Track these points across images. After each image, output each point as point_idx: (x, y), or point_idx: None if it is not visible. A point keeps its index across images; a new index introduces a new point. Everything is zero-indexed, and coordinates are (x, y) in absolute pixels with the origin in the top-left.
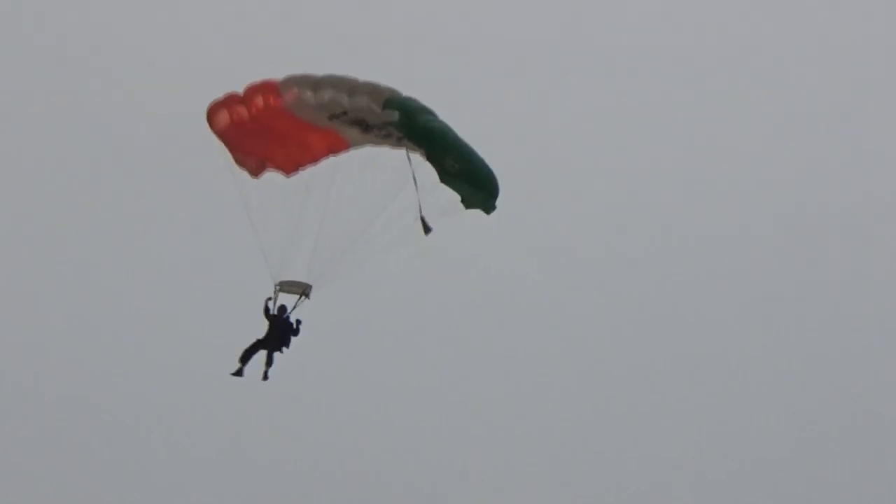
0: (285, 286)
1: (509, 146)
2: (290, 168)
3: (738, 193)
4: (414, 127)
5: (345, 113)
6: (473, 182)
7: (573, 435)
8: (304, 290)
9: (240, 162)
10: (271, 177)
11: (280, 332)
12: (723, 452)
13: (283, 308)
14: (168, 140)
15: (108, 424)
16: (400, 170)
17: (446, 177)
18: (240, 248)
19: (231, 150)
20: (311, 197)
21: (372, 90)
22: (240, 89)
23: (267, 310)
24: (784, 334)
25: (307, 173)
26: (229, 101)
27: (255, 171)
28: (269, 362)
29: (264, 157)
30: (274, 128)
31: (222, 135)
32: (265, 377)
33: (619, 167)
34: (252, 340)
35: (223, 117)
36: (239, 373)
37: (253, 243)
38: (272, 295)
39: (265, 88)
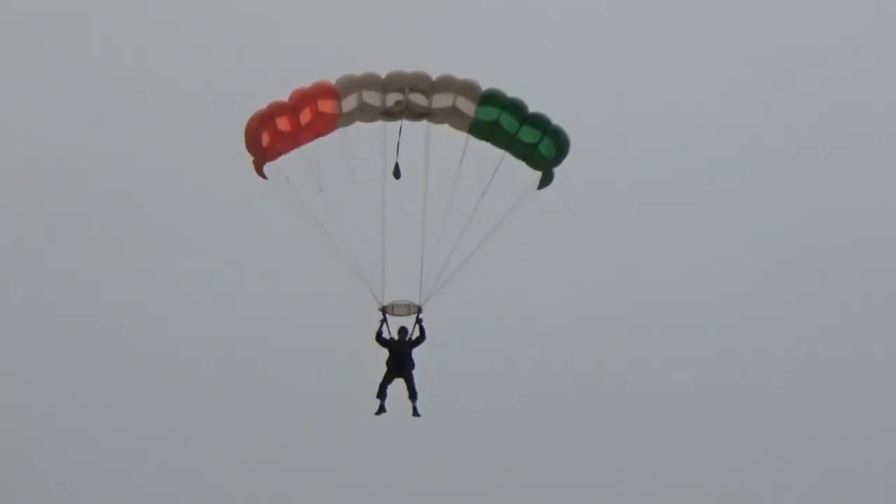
0: (395, 309)
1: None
2: (273, 155)
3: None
4: (535, 133)
5: (427, 114)
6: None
7: None
8: (416, 310)
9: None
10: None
11: (405, 354)
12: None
13: (403, 330)
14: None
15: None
16: (496, 159)
17: (549, 168)
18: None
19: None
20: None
21: (462, 86)
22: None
23: (380, 335)
24: None
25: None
26: (276, 112)
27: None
28: (413, 394)
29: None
30: (314, 132)
31: (264, 153)
32: (415, 413)
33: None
34: (381, 373)
35: (268, 133)
36: (381, 410)
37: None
38: (382, 317)
39: (321, 93)
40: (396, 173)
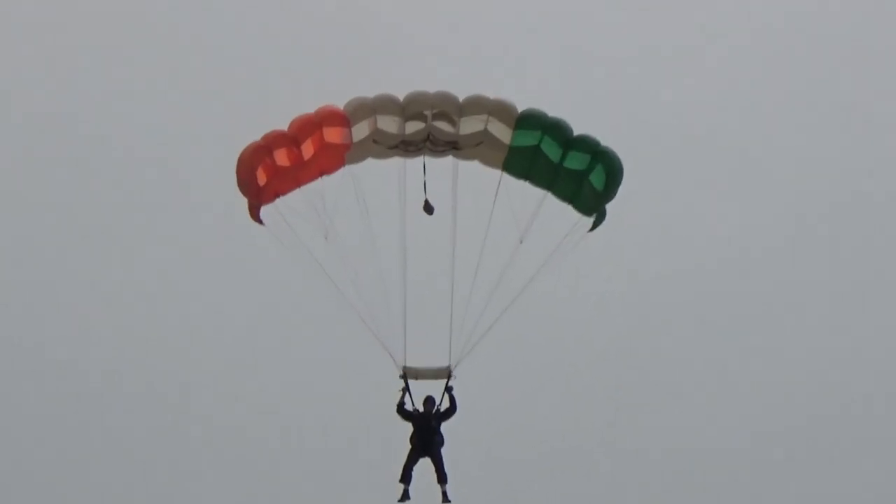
0: (419, 374)
1: None
2: (269, 197)
3: None
4: (582, 158)
5: (454, 144)
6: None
7: None
8: (445, 375)
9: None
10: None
11: (432, 430)
12: None
13: (430, 401)
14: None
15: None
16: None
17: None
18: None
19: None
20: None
21: (496, 107)
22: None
23: (402, 406)
24: None
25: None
26: (273, 143)
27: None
28: (443, 477)
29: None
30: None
31: (260, 193)
32: (445, 500)
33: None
34: (405, 453)
35: (264, 170)
36: (405, 496)
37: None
38: (404, 385)
39: (326, 119)
40: (429, 209)
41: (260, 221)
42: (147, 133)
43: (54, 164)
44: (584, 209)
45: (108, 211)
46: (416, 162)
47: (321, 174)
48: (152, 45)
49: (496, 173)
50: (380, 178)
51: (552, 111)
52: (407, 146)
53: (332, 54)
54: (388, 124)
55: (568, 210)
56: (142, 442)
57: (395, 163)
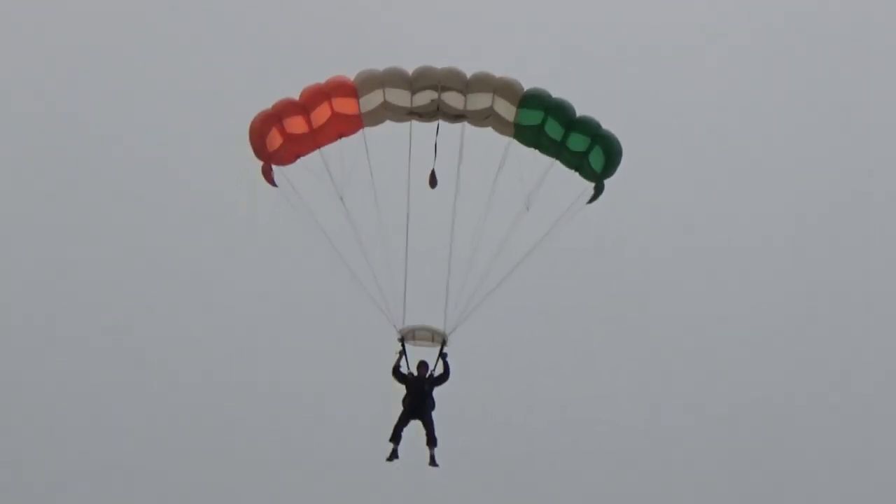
0: (416, 335)
1: None
2: (289, 158)
3: None
4: (583, 140)
5: (461, 116)
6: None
7: None
8: (440, 340)
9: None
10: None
11: (425, 393)
12: None
13: (423, 365)
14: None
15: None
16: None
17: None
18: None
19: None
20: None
21: (501, 85)
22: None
23: (397, 369)
24: None
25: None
26: (285, 111)
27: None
28: (432, 440)
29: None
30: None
31: (272, 157)
32: (433, 463)
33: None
34: (397, 414)
35: (276, 136)
36: (393, 455)
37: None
38: (401, 348)
39: (338, 90)
40: (433, 181)
41: (273, 183)
42: (147, 133)
43: (54, 164)
44: (588, 178)
45: (108, 210)
46: (429, 130)
47: (339, 136)
48: (152, 45)
49: (504, 140)
50: (390, 144)
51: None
52: (420, 116)
53: (331, 54)
54: (397, 97)
55: (567, 184)
56: (142, 442)
57: (406, 129)
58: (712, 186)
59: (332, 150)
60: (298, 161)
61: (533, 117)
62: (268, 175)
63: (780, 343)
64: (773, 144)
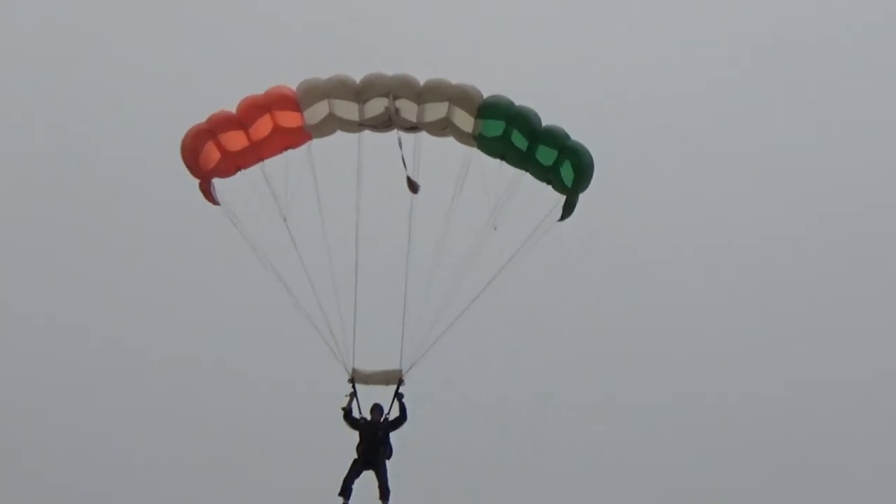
0: (369, 378)
1: None
2: (230, 171)
3: None
4: (550, 153)
5: (414, 128)
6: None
7: None
8: (396, 380)
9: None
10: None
11: (379, 441)
12: None
13: (378, 408)
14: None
15: None
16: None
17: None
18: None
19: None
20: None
21: (457, 94)
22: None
23: (349, 413)
24: None
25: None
26: (220, 126)
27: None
28: (385, 490)
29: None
30: (277, 145)
31: (209, 174)
32: None
33: None
34: (348, 463)
35: (211, 153)
36: None
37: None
38: (352, 390)
39: (278, 102)
40: (413, 187)
41: (215, 202)
42: (147, 133)
43: (54, 164)
44: (560, 192)
45: (107, 210)
46: (383, 137)
47: (286, 149)
48: (151, 45)
49: (467, 153)
50: (340, 157)
51: (549, 111)
52: (374, 127)
53: (332, 54)
54: (344, 110)
55: (537, 203)
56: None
57: (353, 140)
58: (712, 186)
59: (275, 163)
60: (241, 177)
61: (494, 128)
62: (207, 193)
63: (780, 343)
64: (773, 144)
